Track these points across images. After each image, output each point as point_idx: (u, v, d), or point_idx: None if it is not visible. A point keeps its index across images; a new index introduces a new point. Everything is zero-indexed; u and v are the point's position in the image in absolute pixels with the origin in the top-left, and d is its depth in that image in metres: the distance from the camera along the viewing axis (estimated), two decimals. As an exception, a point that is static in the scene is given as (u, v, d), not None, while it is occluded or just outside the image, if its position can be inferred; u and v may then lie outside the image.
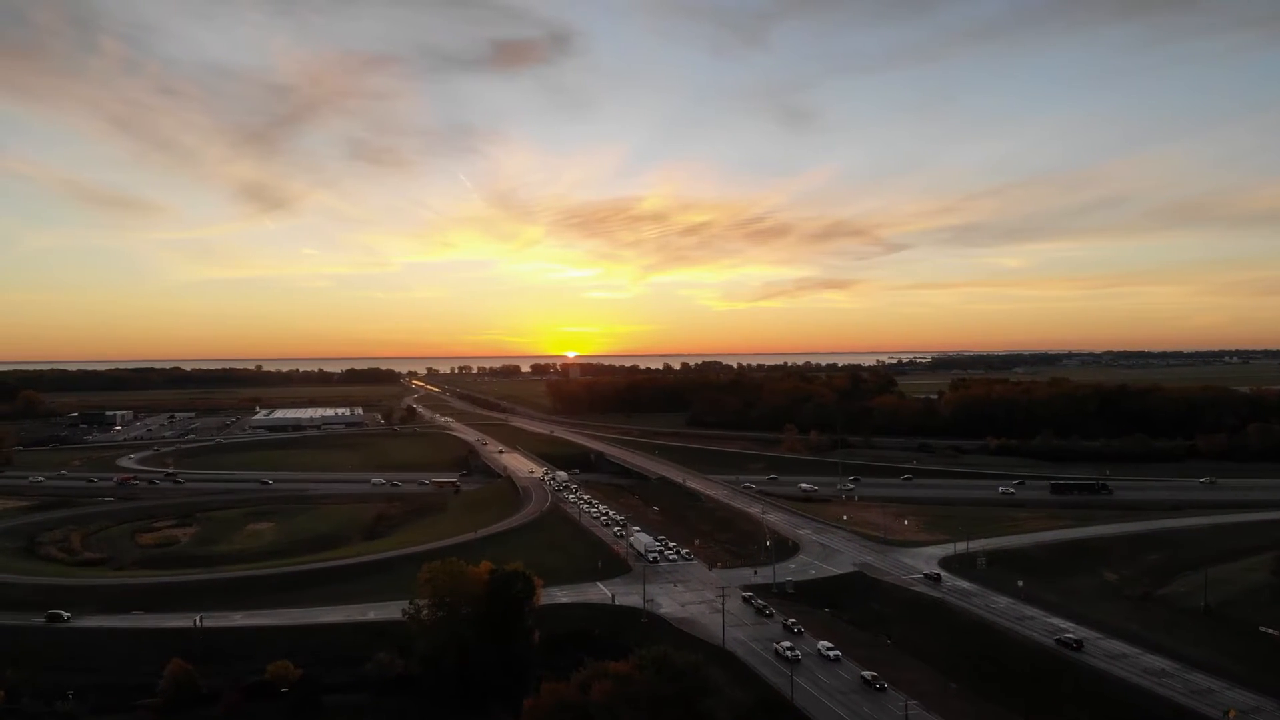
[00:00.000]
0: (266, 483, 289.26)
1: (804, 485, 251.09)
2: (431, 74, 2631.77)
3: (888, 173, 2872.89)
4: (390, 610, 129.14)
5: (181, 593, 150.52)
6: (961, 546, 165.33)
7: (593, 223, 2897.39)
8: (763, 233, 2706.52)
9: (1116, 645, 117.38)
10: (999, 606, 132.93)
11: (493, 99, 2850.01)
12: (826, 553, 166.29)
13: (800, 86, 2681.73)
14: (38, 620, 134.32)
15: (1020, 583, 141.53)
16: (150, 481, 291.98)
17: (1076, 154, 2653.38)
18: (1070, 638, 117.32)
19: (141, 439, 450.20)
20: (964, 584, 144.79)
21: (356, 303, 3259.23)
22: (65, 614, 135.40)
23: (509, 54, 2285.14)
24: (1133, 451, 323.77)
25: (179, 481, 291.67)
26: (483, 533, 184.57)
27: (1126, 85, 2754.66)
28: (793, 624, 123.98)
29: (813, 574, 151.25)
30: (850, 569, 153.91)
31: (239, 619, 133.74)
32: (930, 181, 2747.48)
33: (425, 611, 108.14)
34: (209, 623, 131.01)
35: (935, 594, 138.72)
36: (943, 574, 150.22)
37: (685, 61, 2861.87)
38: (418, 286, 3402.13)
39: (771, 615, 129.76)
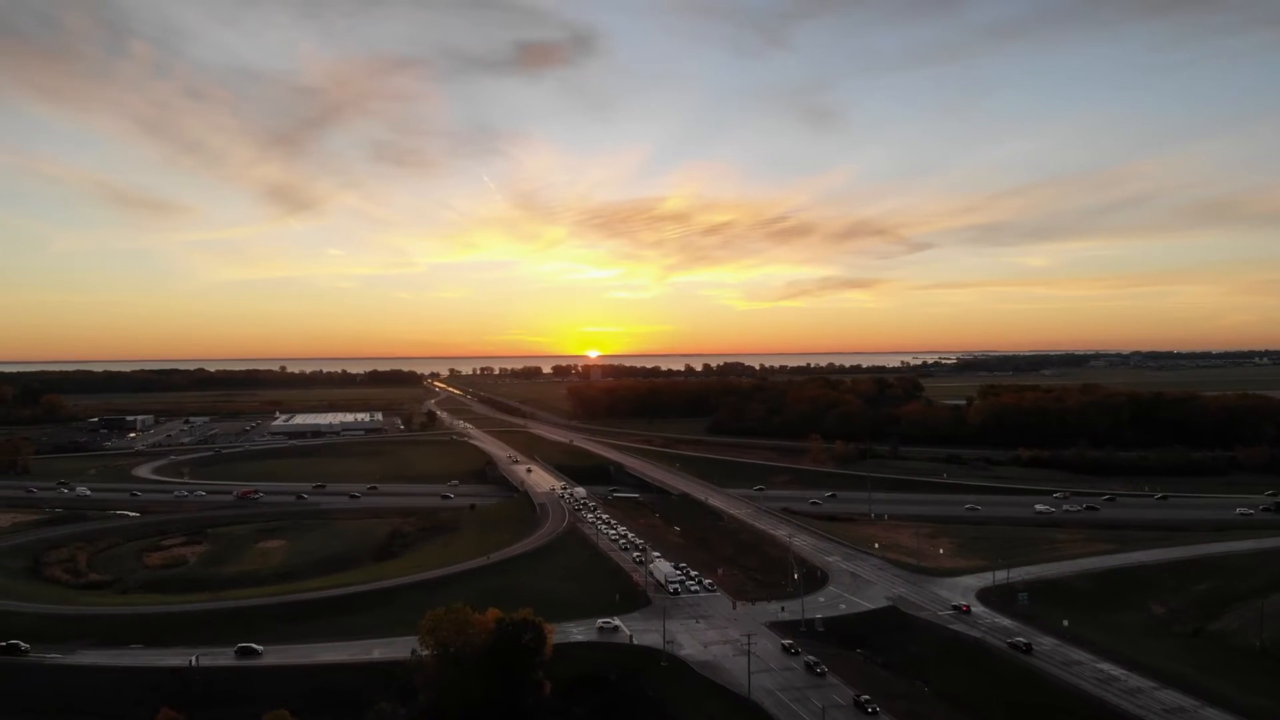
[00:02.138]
0: (303, 496, 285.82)
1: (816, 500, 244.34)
2: (455, 76, 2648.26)
3: (911, 172, 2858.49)
4: (397, 648, 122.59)
5: (182, 624, 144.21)
6: (1001, 576, 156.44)
7: (615, 223, 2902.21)
8: (785, 232, 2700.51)
9: (1172, 696, 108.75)
10: (1044, 649, 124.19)
11: (516, 100, 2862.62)
12: (857, 584, 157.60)
13: (823, 86, 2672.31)
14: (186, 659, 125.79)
15: (1066, 622, 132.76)
16: (300, 496, 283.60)
17: (1102, 153, 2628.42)
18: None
19: (160, 445, 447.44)
20: (1005, 621, 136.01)
21: (381, 303, 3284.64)
22: (259, 648, 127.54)
23: (532, 56, 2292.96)
24: (1172, 464, 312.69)
25: (304, 497, 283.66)
26: (496, 557, 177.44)
27: (1153, 84, 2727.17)
28: (866, 701, 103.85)
29: (843, 609, 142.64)
30: (883, 603, 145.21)
31: (238, 656, 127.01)
32: (954, 180, 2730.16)
33: (429, 661, 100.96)
34: (206, 660, 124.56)
35: (975, 634, 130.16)
36: (982, 609, 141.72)
37: (707, 62, 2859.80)
38: (442, 287, 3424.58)
39: (824, 675, 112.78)
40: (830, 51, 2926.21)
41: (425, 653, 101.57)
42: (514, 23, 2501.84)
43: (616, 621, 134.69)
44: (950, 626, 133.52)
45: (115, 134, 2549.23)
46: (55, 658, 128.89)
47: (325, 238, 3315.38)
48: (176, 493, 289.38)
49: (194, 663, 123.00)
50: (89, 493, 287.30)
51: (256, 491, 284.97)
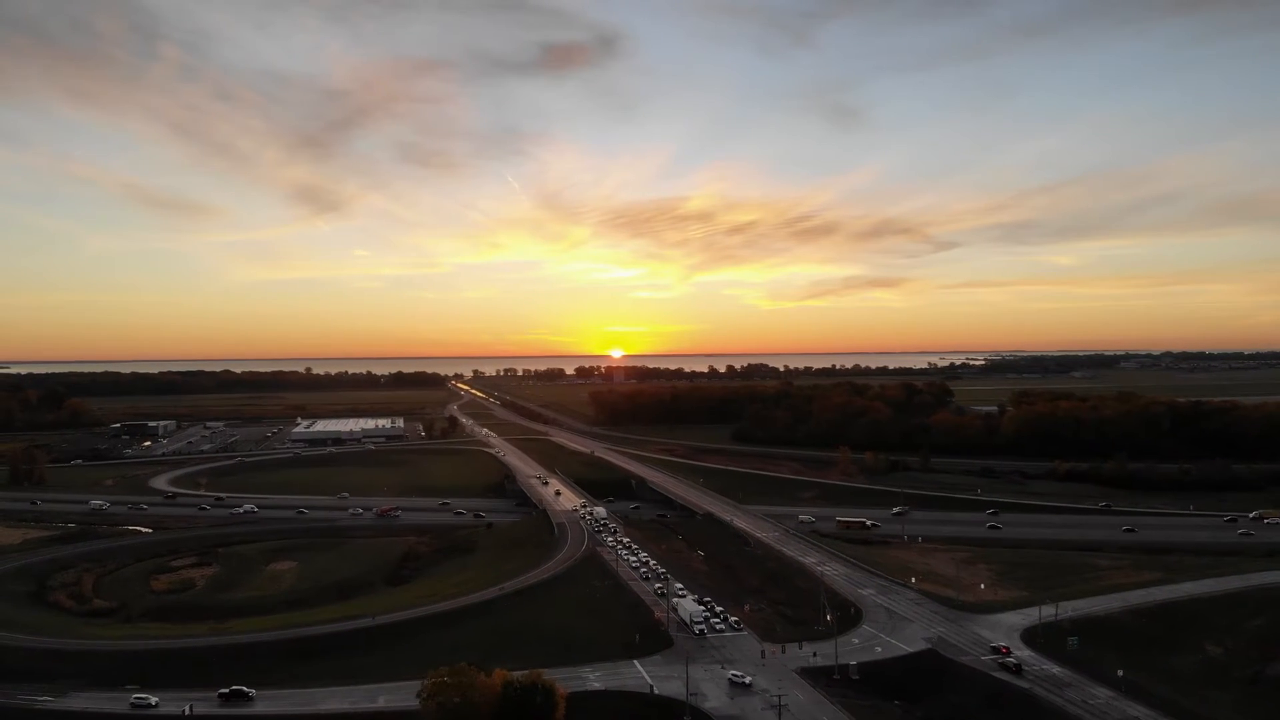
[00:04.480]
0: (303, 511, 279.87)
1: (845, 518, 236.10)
2: (481, 78, 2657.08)
3: (937, 170, 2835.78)
4: (404, 695, 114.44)
5: (183, 661, 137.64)
6: (1047, 612, 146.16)
7: (639, 223, 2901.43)
8: (809, 231, 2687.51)
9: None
10: (1098, 703, 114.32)
11: (541, 102, 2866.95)
12: (893, 621, 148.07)
13: (848, 85, 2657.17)
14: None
15: (1120, 671, 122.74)
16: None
17: (1130, 150, 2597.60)
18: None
19: (180, 452, 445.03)
20: (1054, 669, 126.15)
21: (407, 303, 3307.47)
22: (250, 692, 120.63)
23: (557, 57, 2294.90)
24: (1214, 478, 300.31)
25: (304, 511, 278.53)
26: (510, 586, 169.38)
27: (1181, 81, 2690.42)
28: None
29: (879, 652, 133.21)
30: (922, 645, 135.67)
31: (230, 702, 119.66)
32: (980, 179, 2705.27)
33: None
34: (203, 709, 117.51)
35: (1022, 684, 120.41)
36: (1028, 654, 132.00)
37: (732, 62, 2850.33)
38: (467, 287, 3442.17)
39: None
40: (855, 50, 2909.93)
41: (428, 717, 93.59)
42: (539, 24, 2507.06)
43: (747, 679, 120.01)
44: (995, 675, 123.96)
45: (146, 136, 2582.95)
46: (47, 700, 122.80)
47: (352, 238, 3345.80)
48: (189, 507, 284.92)
49: (189, 712, 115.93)
50: (103, 506, 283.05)
51: (396, 509, 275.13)
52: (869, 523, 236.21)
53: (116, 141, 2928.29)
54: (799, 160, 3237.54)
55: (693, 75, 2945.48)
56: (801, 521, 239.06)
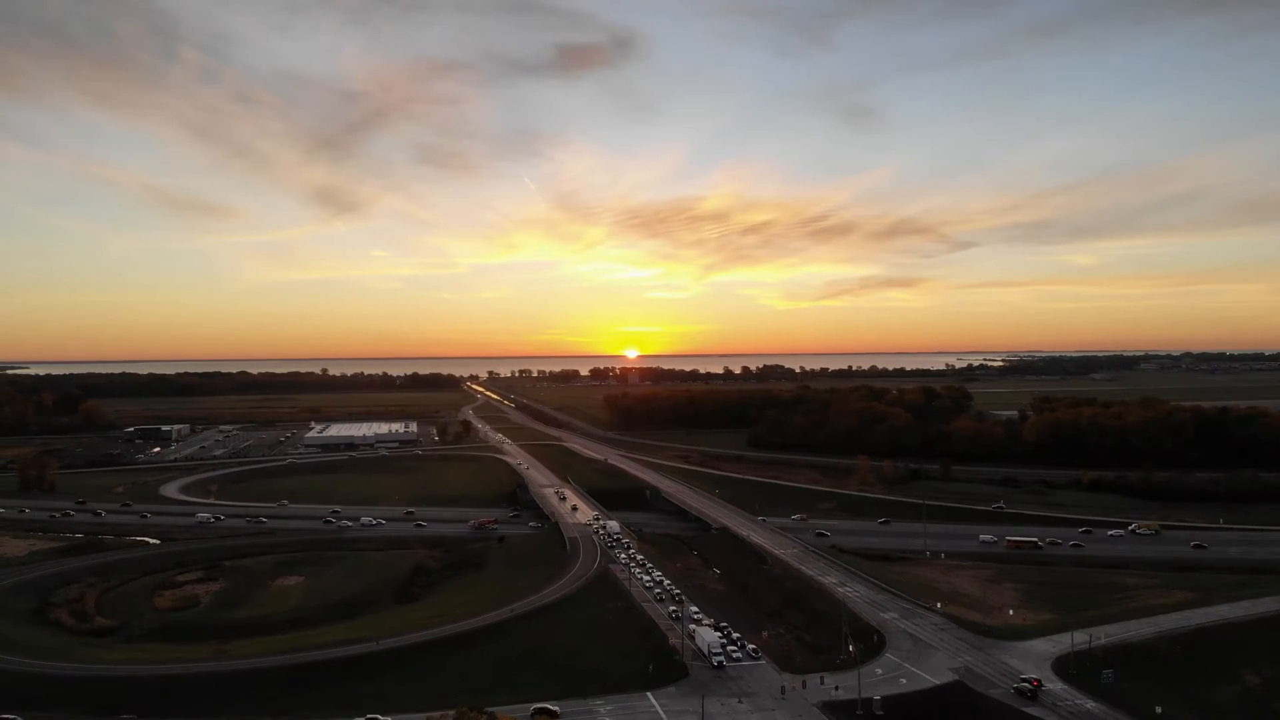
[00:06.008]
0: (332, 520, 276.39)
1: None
2: (498, 80, 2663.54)
3: (954, 170, 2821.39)
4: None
5: (180, 689, 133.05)
6: (1080, 639, 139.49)
7: (654, 223, 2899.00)
8: (825, 231, 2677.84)
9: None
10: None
11: (557, 103, 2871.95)
12: (918, 649, 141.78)
13: (864, 85, 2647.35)
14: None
15: (1159, 708, 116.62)
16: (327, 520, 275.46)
17: (1149, 150, 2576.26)
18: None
19: (192, 458, 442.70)
20: (1088, 703, 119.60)
21: (423, 304, 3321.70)
22: None
23: (573, 59, 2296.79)
24: (1242, 488, 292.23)
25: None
26: (520, 608, 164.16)
27: (1199, 80, 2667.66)
28: None
29: (904, 684, 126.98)
30: (949, 677, 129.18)
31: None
32: (997, 178, 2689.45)
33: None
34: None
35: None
36: (1061, 687, 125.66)
37: (748, 62, 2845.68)
38: (483, 287, 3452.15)
39: None
40: (872, 50, 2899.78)
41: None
42: (555, 26, 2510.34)
43: None
44: (1027, 710, 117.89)
45: (166, 138, 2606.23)
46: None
47: (370, 239, 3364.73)
48: (200, 516, 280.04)
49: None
50: (211, 520, 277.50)
51: (494, 521, 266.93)
52: (1040, 542, 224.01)
53: (136, 143, 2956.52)
54: (815, 160, 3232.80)
55: (709, 75, 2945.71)
56: (983, 541, 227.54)
